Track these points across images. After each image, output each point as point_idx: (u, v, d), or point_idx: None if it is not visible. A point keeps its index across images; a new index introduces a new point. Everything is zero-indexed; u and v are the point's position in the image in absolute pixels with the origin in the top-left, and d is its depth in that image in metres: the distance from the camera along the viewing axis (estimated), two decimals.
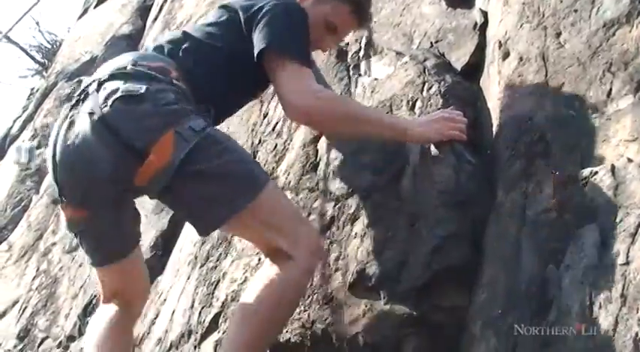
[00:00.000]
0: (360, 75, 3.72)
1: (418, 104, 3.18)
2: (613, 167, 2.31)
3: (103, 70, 2.83)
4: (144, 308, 3.33)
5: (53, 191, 2.86)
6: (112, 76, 2.73)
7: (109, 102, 2.60)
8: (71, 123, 2.69)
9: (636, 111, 2.42)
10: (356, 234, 2.98)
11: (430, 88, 3.22)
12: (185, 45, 3.01)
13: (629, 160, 2.30)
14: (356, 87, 3.65)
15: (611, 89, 2.55)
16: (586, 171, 2.38)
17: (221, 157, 2.69)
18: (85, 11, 8.61)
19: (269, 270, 2.72)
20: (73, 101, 2.78)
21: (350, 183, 3.15)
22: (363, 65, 3.75)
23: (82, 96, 2.73)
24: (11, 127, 7.99)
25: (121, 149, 2.57)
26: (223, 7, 3.20)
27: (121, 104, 2.60)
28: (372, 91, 3.47)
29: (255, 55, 2.95)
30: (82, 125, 2.63)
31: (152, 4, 7.53)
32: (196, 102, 2.83)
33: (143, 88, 2.64)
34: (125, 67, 2.78)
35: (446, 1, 3.63)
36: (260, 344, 2.70)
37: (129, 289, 3.11)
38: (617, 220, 2.19)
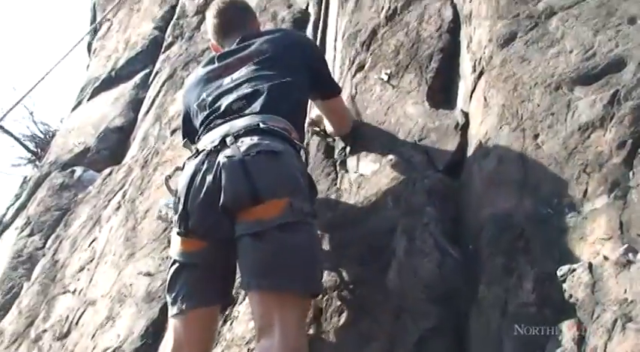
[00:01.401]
0: (346, 171, 3.78)
1: (402, 200, 3.24)
2: (590, 265, 2.36)
3: (233, 127, 3.19)
4: None
5: (179, 224, 3.12)
6: (248, 132, 3.13)
7: (252, 152, 3.01)
8: (209, 167, 3.06)
9: (611, 211, 2.48)
10: (343, 325, 3.00)
11: (414, 184, 3.29)
12: (284, 100, 3.35)
13: (606, 258, 2.35)
14: (342, 182, 3.71)
15: (587, 189, 2.62)
16: (564, 268, 2.43)
17: (306, 244, 3.00)
18: (79, 103, 8.65)
19: None
20: (209, 150, 3.13)
21: (338, 275, 3.19)
22: (349, 161, 3.82)
23: (220, 146, 3.10)
24: (4, 215, 7.97)
25: (245, 187, 2.94)
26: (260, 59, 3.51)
27: (262, 156, 3.01)
28: (359, 187, 3.53)
29: (328, 93, 3.74)
30: (221, 165, 3.02)
31: (144, 97, 7.60)
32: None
33: (280, 147, 3.08)
34: (258, 124, 3.16)
35: (429, 102, 3.72)
36: None
37: (199, 344, 3.17)
38: (595, 316, 2.24)
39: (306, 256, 2.99)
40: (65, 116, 9.30)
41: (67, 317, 5.11)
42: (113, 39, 9.08)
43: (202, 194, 3.04)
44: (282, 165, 3.06)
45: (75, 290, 5.37)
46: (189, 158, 3.27)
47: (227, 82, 3.45)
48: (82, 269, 5.57)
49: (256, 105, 3.28)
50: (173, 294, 3.15)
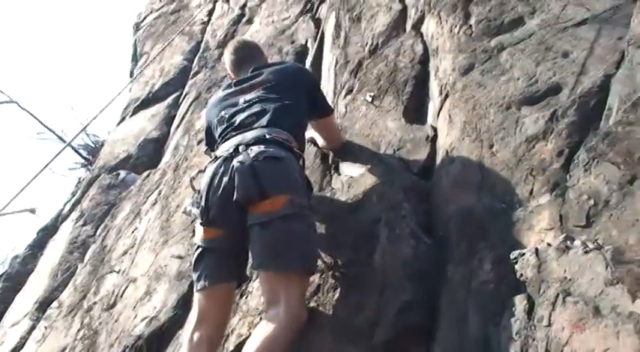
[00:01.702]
0: (338, 174, 3.76)
1: (384, 197, 3.22)
2: (537, 250, 2.36)
3: (245, 138, 3.20)
4: (221, 340, 3.28)
5: (201, 216, 3.14)
6: (256, 142, 3.15)
7: (260, 158, 3.03)
8: (225, 170, 3.09)
9: (552, 207, 2.48)
10: (337, 299, 2.98)
11: (394, 184, 3.27)
12: (286, 118, 3.34)
13: (549, 245, 2.35)
14: (335, 183, 3.69)
15: (532, 189, 2.62)
16: (516, 253, 2.43)
17: (304, 231, 3.01)
18: (123, 119, 8.62)
19: (264, 330, 2.80)
20: (225, 156, 3.15)
21: (333, 258, 3.16)
22: (341, 166, 3.79)
23: (234, 153, 3.12)
24: (62, 209, 7.93)
25: (254, 186, 2.97)
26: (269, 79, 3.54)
27: (268, 161, 3.03)
28: (349, 187, 3.51)
29: (322, 113, 3.70)
30: (234, 169, 3.04)
31: (175, 114, 7.58)
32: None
33: (282, 154, 3.10)
34: (264, 136, 3.18)
35: (405, 119, 3.71)
36: None
37: (217, 315, 3.14)
38: (541, 291, 2.23)
39: (304, 241, 3.00)
40: (112, 129, 9.25)
41: (113, 291, 5.08)
42: (150, 68, 9.04)
43: (220, 191, 3.07)
44: (283, 168, 3.08)
45: (119, 270, 5.34)
46: (209, 162, 3.28)
47: (241, 102, 3.46)
48: (125, 253, 5.53)
49: (263, 121, 3.29)
50: (197, 273, 3.16)
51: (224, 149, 3.23)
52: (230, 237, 3.10)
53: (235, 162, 3.07)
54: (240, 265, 3.25)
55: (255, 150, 3.08)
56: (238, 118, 3.38)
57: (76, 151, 11.91)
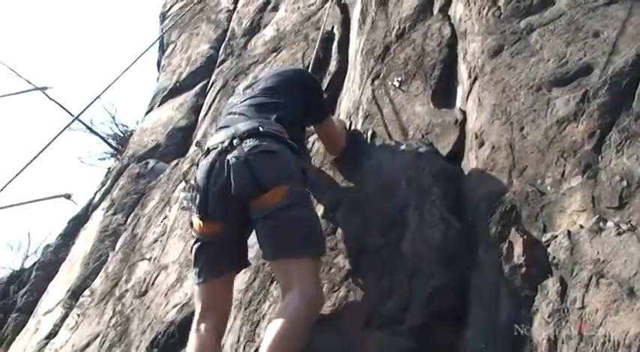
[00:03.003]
0: (367, 159, 3.73)
1: (413, 182, 3.21)
2: (569, 232, 2.33)
3: (238, 130, 3.23)
4: (227, 326, 3.34)
5: (199, 210, 3.17)
6: (249, 135, 3.17)
7: (254, 152, 3.07)
8: (221, 165, 3.11)
9: (585, 188, 2.46)
10: (367, 284, 2.98)
11: (423, 169, 3.25)
12: (276, 111, 3.41)
13: (581, 227, 2.33)
14: (364, 167, 3.68)
15: (564, 171, 2.59)
16: (548, 235, 2.41)
17: (307, 217, 3.10)
18: (151, 108, 8.68)
19: (282, 313, 2.84)
20: (219, 150, 3.18)
21: (362, 243, 3.17)
22: (369, 151, 3.76)
23: (229, 147, 3.15)
24: (93, 198, 8.02)
25: (250, 181, 3.00)
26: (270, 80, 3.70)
27: (262, 155, 3.07)
28: (378, 171, 3.49)
29: (317, 115, 3.74)
30: (230, 164, 3.07)
31: (203, 103, 7.62)
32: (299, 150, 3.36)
33: (276, 147, 3.13)
34: (258, 129, 3.21)
35: (433, 103, 3.69)
36: None
37: (220, 306, 3.21)
38: (574, 274, 2.21)
39: (308, 227, 3.06)
40: (140, 119, 9.33)
41: (145, 279, 5.13)
42: (177, 57, 9.08)
43: (217, 187, 3.11)
44: (279, 160, 3.12)
45: (150, 258, 5.39)
46: (202, 155, 3.34)
47: (237, 102, 3.63)
48: (156, 240, 5.58)
49: (255, 114, 3.39)
50: (197, 267, 3.21)
51: (217, 141, 3.27)
52: (229, 230, 3.17)
53: (230, 158, 3.11)
54: (240, 256, 3.31)
55: (249, 144, 3.13)
56: (232, 113, 3.52)
57: (105, 141, 12.08)
